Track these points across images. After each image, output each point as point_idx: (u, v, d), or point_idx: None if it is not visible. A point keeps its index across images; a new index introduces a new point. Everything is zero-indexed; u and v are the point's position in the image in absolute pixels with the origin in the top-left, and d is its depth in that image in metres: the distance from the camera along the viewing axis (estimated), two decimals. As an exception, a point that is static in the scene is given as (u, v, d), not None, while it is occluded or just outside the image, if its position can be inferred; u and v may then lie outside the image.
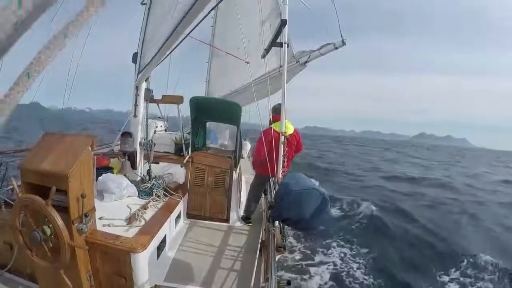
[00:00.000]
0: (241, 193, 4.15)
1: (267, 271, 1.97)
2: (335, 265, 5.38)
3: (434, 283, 5.09)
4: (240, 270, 2.53)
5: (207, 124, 4.18)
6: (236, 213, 3.53)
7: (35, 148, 1.89)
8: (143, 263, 2.02)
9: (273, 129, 3.17)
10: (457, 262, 5.75)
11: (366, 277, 5.03)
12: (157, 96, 3.70)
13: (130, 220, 2.35)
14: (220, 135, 5.36)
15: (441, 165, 27.41)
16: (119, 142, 3.50)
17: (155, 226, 2.37)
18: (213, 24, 8.05)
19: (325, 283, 4.76)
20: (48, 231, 1.69)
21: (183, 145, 3.71)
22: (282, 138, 3.06)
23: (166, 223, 2.57)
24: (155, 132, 4.14)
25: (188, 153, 3.60)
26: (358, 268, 5.32)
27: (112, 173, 3.15)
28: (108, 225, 2.21)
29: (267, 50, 3.75)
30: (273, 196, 2.76)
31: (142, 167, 3.49)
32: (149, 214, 2.57)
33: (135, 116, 3.44)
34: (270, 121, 3.38)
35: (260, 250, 2.81)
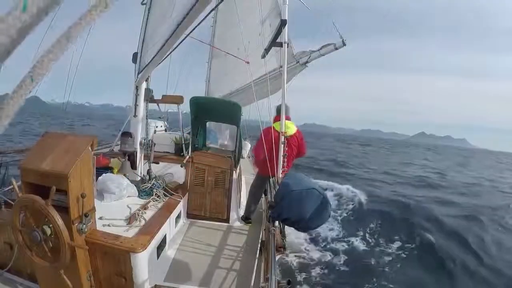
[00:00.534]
0: (241, 193, 4.15)
1: (267, 271, 1.97)
2: (335, 265, 5.38)
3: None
4: (240, 270, 2.53)
5: (207, 124, 4.18)
6: (236, 213, 3.53)
7: (35, 148, 1.89)
8: (143, 263, 2.03)
9: (273, 129, 3.13)
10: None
11: (368, 277, 5.02)
12: (157, 96, 3.71)
13: (130, 220, 2.36)
14: (220, 135, 5.36)
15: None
16: (119, 142, 3.50)
17: (155, 226, 2.38)
18: (213, 24, 8.06)
19: (326, 283, 4.76)
20: (48, 231, 1.70)
21: (183, 145, 3.71)
22: (282, 138, 3.05)
23: (166, 223, 2.57)
24: (155, 132, 4.14)
25: (188, 153, 3.60)
26: (358, 268, 5.32)
27: (112, 173, 3.15)
28: (108, 225, 2.22)
29: (267, 50, 3.74)
30: (273, 196, 2.75)
31: (142, 167, 3.50)
32: (149, 214, 2.57)
33: (135, 116, 3.45)
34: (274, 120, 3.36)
35: (260, 250, 2.81)
